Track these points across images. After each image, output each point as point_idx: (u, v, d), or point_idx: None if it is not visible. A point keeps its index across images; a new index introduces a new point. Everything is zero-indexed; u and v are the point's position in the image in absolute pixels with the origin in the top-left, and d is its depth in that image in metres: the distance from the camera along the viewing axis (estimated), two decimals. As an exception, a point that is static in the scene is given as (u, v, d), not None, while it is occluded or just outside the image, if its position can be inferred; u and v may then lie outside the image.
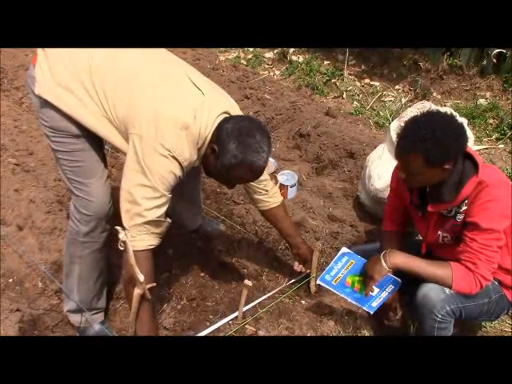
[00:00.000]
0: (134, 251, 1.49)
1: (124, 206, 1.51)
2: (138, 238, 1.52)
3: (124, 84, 1.53)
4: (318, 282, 1.91)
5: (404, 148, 1.57)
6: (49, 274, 2.12)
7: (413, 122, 1.58)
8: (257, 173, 1.58)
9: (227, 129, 1.51)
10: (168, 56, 1.67)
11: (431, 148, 1.50)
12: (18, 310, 2.00)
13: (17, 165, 2.80)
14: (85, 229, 1.73)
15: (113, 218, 1.78)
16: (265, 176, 1.88)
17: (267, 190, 1.93)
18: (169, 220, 1.60)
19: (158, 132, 1.46)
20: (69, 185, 1.71)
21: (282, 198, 2.06)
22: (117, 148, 1.63)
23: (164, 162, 1.48)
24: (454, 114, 1.64)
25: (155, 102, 1.50)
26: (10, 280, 2.17)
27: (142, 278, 1.49)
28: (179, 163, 1.51)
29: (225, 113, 1.60)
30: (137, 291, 1.55)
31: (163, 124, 1.47)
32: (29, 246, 2.28)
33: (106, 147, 2.65)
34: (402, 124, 1.63)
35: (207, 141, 1.56)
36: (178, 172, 1.53)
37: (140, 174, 1.48)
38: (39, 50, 1.56)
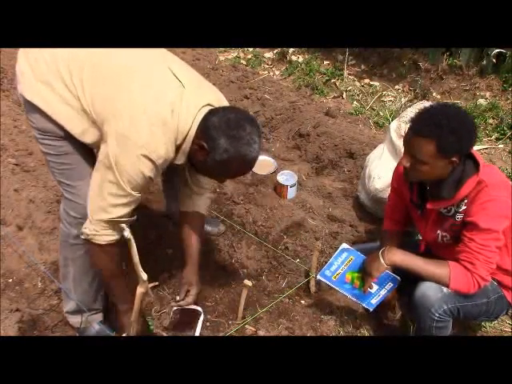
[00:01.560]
0: (97, 245, 1.51)
1: (91, 197, 1.50)
2: (101, 233, 1.50)
3: (101, 74, 1.47)
4: (318, 277, 1.92)
5: (418, 132, 1.54)
6: (49, 274, 2.12)
7: (429, 109, 1.57)
8: (250, 165, 1.54)
9: (214, 123, 1.44)
10: (153, 50, 1.58)
11: (447, 135, 1.49)
12: (17, 310, 2.00)
13: (16, 165, 2.80)
14: (75, 231, 1.70)
15: None
16: (207, 186, 1.89)
17: (202, 194, 1.89)
18: (134, 218, 1.56)
19: (132, 129, 1.41)
20: (59, 187, 1.70)
21: (206, 212, 1.96)
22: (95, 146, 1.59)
23: (135, 162, 1.42)
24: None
25: (131, 97, 1.44)
26: (10, 280, 2.16)
27: (145, 276, 1.49)
28: (152, 162, 1.44)
29: (208, 105, 1.51)
30: (140, 290, 1.54)
31: (138, 120, 1.42)
32: (29, 246, 2.28)
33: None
34: (410, 120, 1.61)
35: (189, 137, 1.49)
36: (149, 172, 1.45)
37: (109, 170, 1.43)
38: (20, 50, 1.55)
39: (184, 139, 1.50)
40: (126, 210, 1.50)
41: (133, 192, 1.47)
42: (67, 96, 1.49)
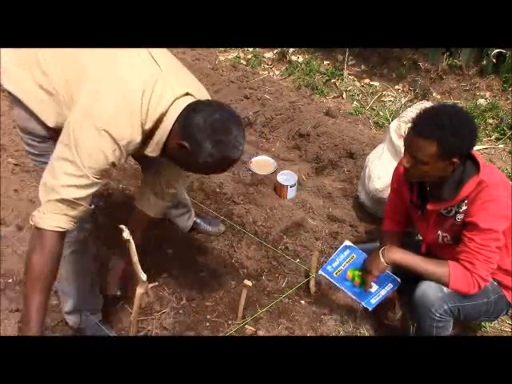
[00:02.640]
0: (39, 228, 1.33)
1: (44, 177, 1.36)
2: (48, 216, 1.33)
3: (77, 53, 1.40)
4: (320, 271, 1.93)
5: (419, 132, 1.53)
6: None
7: (430, 110, 1.56)
8: (233, 164, 1.47)
9: (198, 124, 1.34)
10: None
11: (448, 136, 1.48)
12: (17, 310, 2.00)
13: (16, 165, 2.80)
14: None
15: (90, 218, 1.71)
16: (173, 190, 1.87)
17: (163, 199, 1.87)
18: (90, 207, 1.42)
19: (98, 102, 1.32)
20: None
21: (155, 217, 1.92)
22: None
23: (95, 138, 1.31)
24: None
25: (103, 70, 1.36)
26: (10, 280, 2.17)
27: (144, 276, 1.49)
28: (115, 142, 1.32)
29: (187, 95, 1.41)
30: (139, 290, 1.54)
31: (105, 93, 1.33)
32: (29, 246, 2.28)
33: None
34: (412, 120, 1.61)
35: (164, 128, 1.39)
36: (110, 153, 1.33)
37: (66, 148, 1.32)
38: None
39: (155, 126, 1.39)
40: (79, 193, 1.34)
41: (90, 175, 1.33)
42: (43, 82, 1.41)
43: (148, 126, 1.38)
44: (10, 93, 1.49)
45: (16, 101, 1.49)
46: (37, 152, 1.57)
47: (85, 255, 1.81)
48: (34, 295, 1.35)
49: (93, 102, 1.33)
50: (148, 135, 1.41)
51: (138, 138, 1.38)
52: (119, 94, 1.34)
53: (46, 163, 1.46)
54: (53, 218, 1.34)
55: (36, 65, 1.42)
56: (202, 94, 1.51)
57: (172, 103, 1.38)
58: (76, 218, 1.40)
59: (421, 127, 1.54)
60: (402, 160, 1.64)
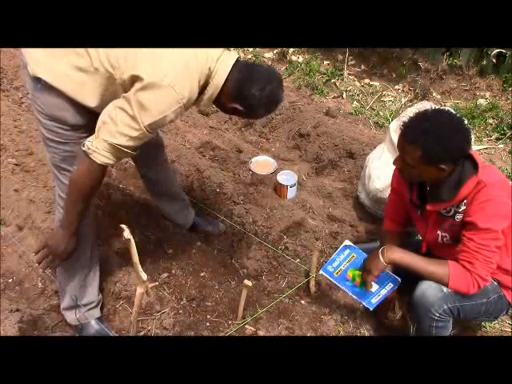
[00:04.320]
0: (89, 162, 1.51)
1: (104, 117, 1.49)
2: (102, 153, 1.50)
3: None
4: (320, 271, 1.93)
5: (405, 137, 1.57)
6: (49, 274, 2.12)
7: (422, 114, 1.57)
8: (278, 107, 1.69)
9: (254, 96, 1.55)
10: None
11: (431, 143, 1.49)
12: (17, 310, 2.00)
13: (16, 165, 2.80)
14: None
15: (93, 206, 1.79)
16: None
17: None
18: (136, 152, 1.58)
19: (159, 64, 1.44)
20: (55, 171, 1.69)
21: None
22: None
23: (158, 98, 1.45)
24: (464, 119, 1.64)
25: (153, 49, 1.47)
26: (10, 280, 2.17)
27: (145, 276, 1.49)
28: (177, 100, 1.47)
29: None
30: (139, 290, 1.55)
31: (164, 58, 1.45)
32: (29, 246, 2.28)
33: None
34: (402, 123, 1.62)
35: (216, 83, 1.55)
36: (171, 111, 1.48)
37: (125, 101, 1.46)
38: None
39: (206, 82, 1.55)
40: (132, 143, 1.51)
41: (146, 129, 1.48)
42: (81, 63, 1.49)
43: (202, 82, 1.54)
44: (37, 81, 1.51)
45: (45, 89, 1.52)
46: (61, 140, 1.61)
47: (85, 243, 1.84)
48: (78, 204, 1.61)
49: (156, 63, 1.44)
50: (200, 91, 1.57)
51: (195, 94, 1.54)
52: (177, 56, 1.47)
53: (68, 151, 1.62)
54: (105, 156, 1.51)
55: (69, 50, 1.47)
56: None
57: (217, 60, 1.55)
58: (121, 159, 1.61)
59: (407, 131, 1.56)
60: (395, 160, 1.67)
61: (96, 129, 1.51)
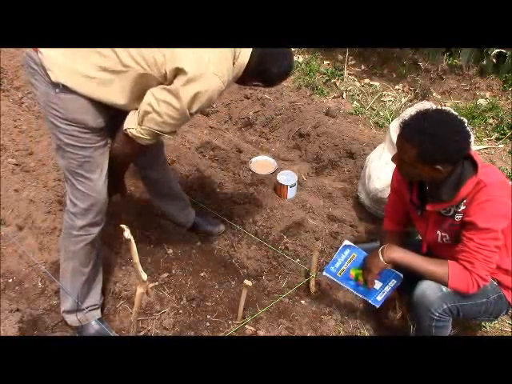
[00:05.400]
0: (136, 142, 1.65)
1: (146, 107, 1.57)
2: (145, 137, 1.63)
3: None
4: (324, 273, 1.93)
5: (403, 135, 1.58)
6: (49, 274, 2.12)
7: (422, 113, 1.58)
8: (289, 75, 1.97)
9: (273, 72, 1.74)
10: None
11: (427, 143, 1.50)
12: (17, 310, 2.00)
13: (17, 165, 2.80)
14: (80, 222, 1.74)
15: (105, 213, 1.82)
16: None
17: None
18: (174, 135, 1.75)
19: (198, 59, 1.52)
20: (70, 177, 1.69)
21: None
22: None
23: (206, 83, 1.54)
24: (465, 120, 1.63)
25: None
26: (10, 280, 2.17)
27: (145, 276, 1.49)
28: (222, 82, 1.58)
29: None
30: (139, 290, 1.55)
31: (200, 51, 1.53)
32: (29, 246, 2.28)
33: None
34: (402, 120, 1.62)
35: (241, 63, 1.67)
36: (216, 94, 1.60)
37: (168, 93, 1.54)
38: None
39: (234, 61, 1.65)
40: (172, 129, 1.66)
41: (188, 115, 1.60)
42: (106, 64, 1.52)
43: (232, 62, 1.64)
44: (55, 86, 1.51)
45: (65, 93, 1.53)
46: (80, 144, 1.63)
47: (95, 250, 1.87)
48: (122, 169, 1.84)
49: (198, 56, 1.52)
50: None
51: (231, 74, 1.66)
52: (211, 50, 1.55)
53: (86, 157, 1.66)
54: (148, 139, 1.65)
55: (91, 51, 1.50)
56: None
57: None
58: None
59: (405, 129, 1.57)
60: (392, 157, 1.68)
61: (138, 115, 1.60)
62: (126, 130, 1.63)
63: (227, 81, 1.62)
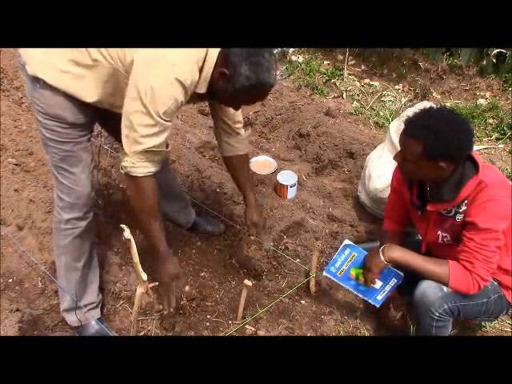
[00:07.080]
0: (134, 178, 1.56)
1: (124, 131, 1.52)
2: (138, 165, 1.54)
3: None
4: (324, 273, 1.93)
5: (408, 131, 1.57)
6: (49, 274, 2.12)
7: (426, 111, 1.58)
8: (267, 92, 1.59)
9: (235, 51, 1.48)
10: None
11: (433, 140, 1.50)
12: (17, 310, 2.00)
13: (16, 165, 2.80)
14: (66, 216, 1.76)
15: (92, 207, 1.83)
16: (239, 118, 1.94)
17: (238, 133, 1.97)
18: (168, 149, 1.64)
19: (160, 52, 1.44)
20: (54, 172, 1.72)
21: (247, 151, 2.05)
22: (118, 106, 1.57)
23: (165, 84, 1.44)
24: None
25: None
26: (10, 280, 2.17)
27: (145, 276, 1.49)
28: (182, 85, 1.46)
29: None
30: (139, 290, 1.55)
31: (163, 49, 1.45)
32: (29, 246, 2.28)
33: (105, 147, 2.66)
34: (405, 118, 1.62)
35: (210, 62, 1.52)
36: (180, 94, 1.48)
37: (135, 101, 1.45)
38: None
39: (203, 64, 1.52)
40: (158, 140, 1.53)
41: (161, 119, 1.48)
42: (78, 58, 1.50)
43: (199, 64, 1.51)
44: (36, 81, 1.53)
45: (45, 88, 1.54)
46: (60, 139, 1.63)
47: (85, 245, 1.87)
48: (152, 223, 1.64)
49: (157, 53, 1.43)
50: (199, 73, 1.54)
51: (197, 75, 1.52)
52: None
53: (67, 151, 1.64)
54: (143, 166, 1.55)
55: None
56: None
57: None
58: (160, 161, 1.61)
59: (410, 126, 1.57)
60: (395, 155, 1.67)
61: (123, 145, 1.54)
62: (121, 169, 1.57)
63: (190, 79, 1.49)
